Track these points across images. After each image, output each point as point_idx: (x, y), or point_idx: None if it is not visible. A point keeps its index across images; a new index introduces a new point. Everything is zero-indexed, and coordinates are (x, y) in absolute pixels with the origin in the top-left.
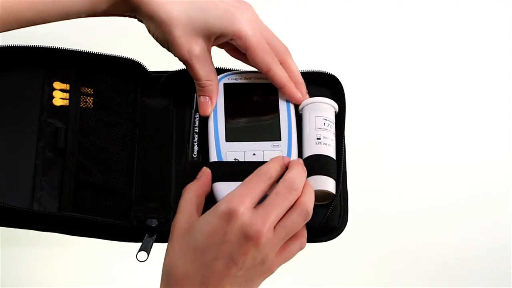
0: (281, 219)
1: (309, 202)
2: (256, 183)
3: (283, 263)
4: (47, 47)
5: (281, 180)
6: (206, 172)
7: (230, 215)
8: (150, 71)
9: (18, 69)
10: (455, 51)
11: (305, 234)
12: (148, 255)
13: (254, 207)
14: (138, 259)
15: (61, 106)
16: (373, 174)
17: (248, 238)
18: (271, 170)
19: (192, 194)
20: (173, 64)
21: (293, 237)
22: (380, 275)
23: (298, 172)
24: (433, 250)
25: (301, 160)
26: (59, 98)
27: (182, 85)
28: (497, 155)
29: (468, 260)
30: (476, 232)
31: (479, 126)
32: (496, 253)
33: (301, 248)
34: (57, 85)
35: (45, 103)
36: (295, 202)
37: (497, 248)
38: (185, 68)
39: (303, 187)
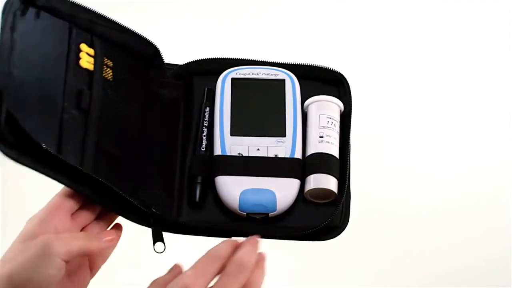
0: None
1: (259, 281)
2: (207, 264)
3: None
4: (75, 3)
5: (230, 261)
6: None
7: None
8: (165, 62)
9: (45, 20)
10: (461, 54)
11: None
12: (164, 245)
13: None
14: (156, 250)
15: (86, 69)
16: (374, 174)
17: None
18: (223, 252)
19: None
20: (179, 59)
21: None
22: (380, 274)
23: (248, 251)
24: (433, 250)
25: (255, 238)
26: (86, 61)
27: (191, 79)
28: (499, 158)
29: (468, 260)
30: (476, 233)
31: (484, 128)
32: (496, 254)
33: None
34: (84, 47)
35: (71, 62)
36: (247, 279)
37: (497, 249)
38: (194, 61)
39: (255, 265)
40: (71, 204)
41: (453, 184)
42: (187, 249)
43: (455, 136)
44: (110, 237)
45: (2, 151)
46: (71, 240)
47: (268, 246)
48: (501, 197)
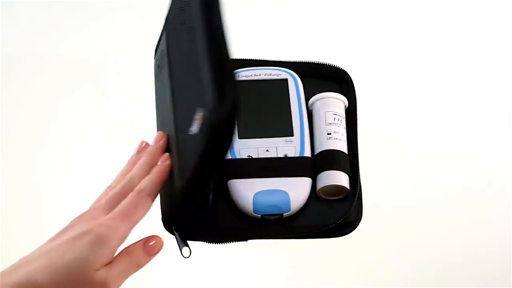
0: None
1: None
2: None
3: None
4: None
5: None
6: None
7: None
8: None
9: None
10: (465, 52)
11: None
12: (190, 249)
13: None
14: (184, 255)
15: None
16: (375, 172)
17: None
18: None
19: None
20: None
21: None
22: (383, 274)
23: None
24: (435, 250)
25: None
26: None
27: None
28: (507, 154)
29: (468, 260)
30: (477, 232)
31: (490, 124)
32: (497, 253)
33: None
34: None
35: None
36: None
37: (498, 248)
38: None
39: None
40: (145, 209)
41: (459, 183)
42: (198, 254)
43: (459, 134)
44: (157, 249)
45: None
46: (125, 273)
47: (269, 246)
48: (503, 197)
